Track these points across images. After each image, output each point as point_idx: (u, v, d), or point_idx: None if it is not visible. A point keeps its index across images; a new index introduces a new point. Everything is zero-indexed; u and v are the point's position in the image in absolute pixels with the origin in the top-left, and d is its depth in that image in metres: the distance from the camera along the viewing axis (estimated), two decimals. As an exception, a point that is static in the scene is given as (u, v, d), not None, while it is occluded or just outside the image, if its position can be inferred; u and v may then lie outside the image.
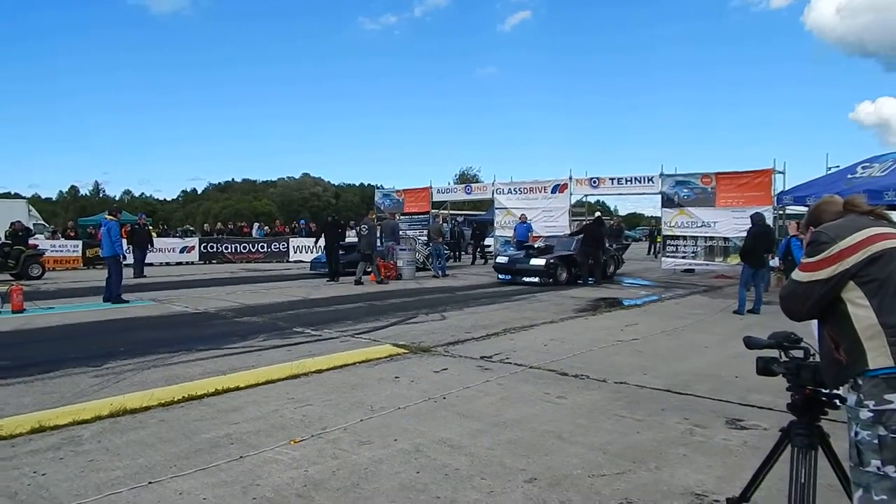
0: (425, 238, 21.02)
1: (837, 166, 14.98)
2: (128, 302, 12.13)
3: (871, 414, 2.06)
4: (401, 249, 17.87)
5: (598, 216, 17.97)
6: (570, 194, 20.48)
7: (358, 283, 15.95)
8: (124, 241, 22.65)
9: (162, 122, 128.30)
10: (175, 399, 5.17)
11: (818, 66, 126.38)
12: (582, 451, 4.02)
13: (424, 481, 3.55)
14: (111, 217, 13.00)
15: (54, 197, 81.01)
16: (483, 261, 25.34)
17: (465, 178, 58.07)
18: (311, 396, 5.33)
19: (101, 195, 78.44)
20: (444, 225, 23.29)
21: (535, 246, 17.25)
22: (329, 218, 19.21)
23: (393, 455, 3.96)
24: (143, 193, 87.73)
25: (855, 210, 2.41)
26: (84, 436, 4.33)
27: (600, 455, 3.96)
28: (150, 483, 3.51)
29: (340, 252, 19.94)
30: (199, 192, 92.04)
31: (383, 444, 4.15)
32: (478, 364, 6.61)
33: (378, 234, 17.60)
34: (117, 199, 75.79)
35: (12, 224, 18.85)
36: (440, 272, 18.62)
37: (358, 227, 17.47)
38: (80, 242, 23.52)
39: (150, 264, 20.92)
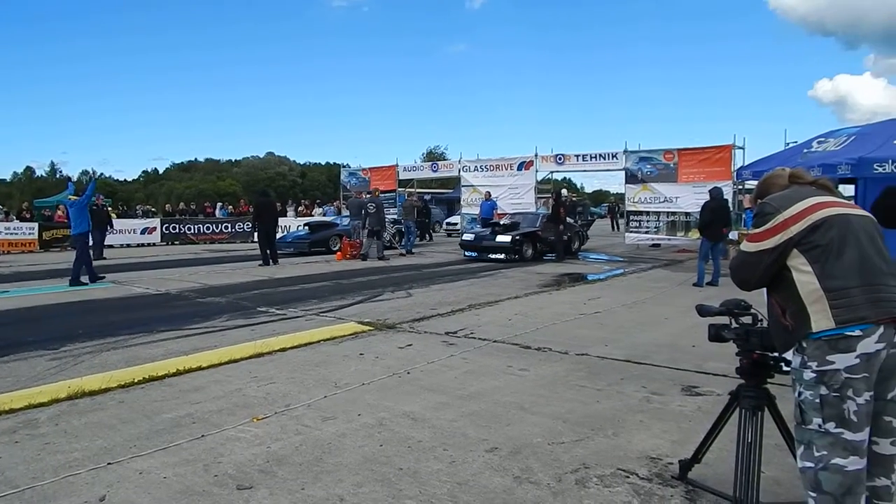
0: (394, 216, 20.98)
1: (795, 142, 15.28)
2: (86, 284, 11.84)
3: (813, 374, 2.15)
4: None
5: (557, 192, 18.12)
6: (536, 171, 20.59)
7: (365, 258, 16.49)
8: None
9: (123, 103, 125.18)
10: (135, 380, 5.10)
11: (779, 44, 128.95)
12: (543, 421, 4.10)
13: (388, 454, 3.58)
14: (74, 197, 12.71)
15: (9, 178, 78.33)
16: (429, 237, 25.24)
17: (433, 156, 57.79)
18: (275, 375, 5.31)
19: (58, 175, 75.99)
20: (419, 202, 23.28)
21: (501, 223, 17.34)
22: (264, 196, 18.12)
23: (356, 429, 3.98)
24: (102, 174, 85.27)
25: (799, 181, 2.50)
26: (41, 419, 4.25)
27: (560, 424, 4.04)
28: (109, 464, 3.47)
29: (307, 230, 19.77)
30: (161, 172, 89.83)
31: (347, 419, 4.17)
32: (443, 339, 6.65)
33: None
34: (75, 179, 73.52)
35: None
36: (407, 249, 18.63)
37: (366, 205, 17.16)
38: (35, 225, 22.82)
39: (110, 246, 20.45)
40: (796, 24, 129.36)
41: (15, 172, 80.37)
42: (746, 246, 2.40)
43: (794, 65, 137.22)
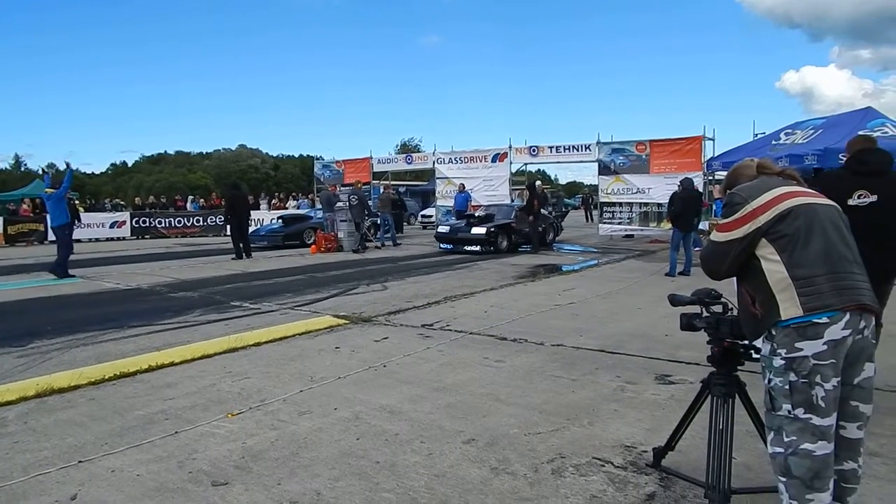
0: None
1: (763, 132, 15.54)
2: (73, 276, 11.81)
3: (783, 361, 2.19)
4: (341, 220, 17.68)
5: (531, 183, 18.20)
6: (510, 163, 20.66)
7: (356, 251, 16.71)
8: (48, 217, 21.64)
9: (90, 95, 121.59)
10: (106, 377, 5.01)
11: (747, 36, 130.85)
12: (519, 412, 4.13)
13: (364, 447, 3.58)
14: (50, 190, 12.50)
15: (-30, 171, 75.92)
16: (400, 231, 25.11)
17: (407, 149, 57.58)
18: (250, 370, 5.26)
19: (22, 169, 74.01)
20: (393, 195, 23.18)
21: (476, 215, 17.36)
22: (235, 188, 17.84)
23: (333, 423, 3.97)
24: (78, 168, 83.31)
25: (766, 172, 2.55)
26: (8, 417, 4.15)
27: (536, 414, 4.08)
28: (80, 462, 3.41)
29: (281, 223, 19.58)
30: (130, 164, 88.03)
31: (323, 414, 4.15)
32: (419, 332, 6.65)
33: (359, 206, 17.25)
34: (40, 172, 71.67)
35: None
36: (391, 242, 18.63)
37: (348, 197, 17.38)
38: (0, 219, 22.24)
39: (78, 240, 19.92)
40: (763, 16, 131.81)
41: (-24, 166, 78.04)
42: (716, 236, 2.44)
43: (761, 56, 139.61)
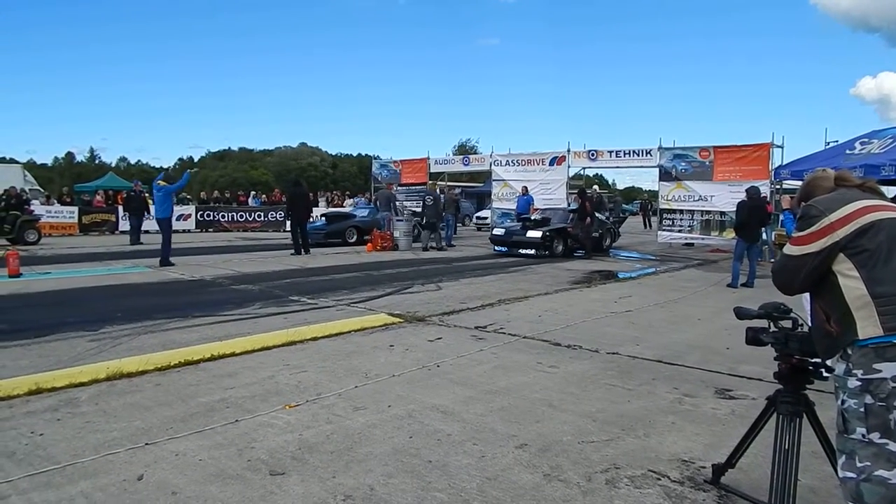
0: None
1: (836, 141, 14.93)
2: (174, 265, 12.78)
3: (859, 383, 2.09)
4: (397, 220, 17.88)
5: (581, 188, 17.96)
6: (568, 167, 20.46)
7: (425, 249, 17.13)
8: (120, 209, 22.68)
9: (161, 91, 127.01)
10: (171, 364, 5.22)
11: (821, 40, 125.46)
12: (572, 419, 4.08)
13: (417, 446, 3.61)
14: (163, 182, 13.54)
15: (50, 163, 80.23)
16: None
17: (464, 150, 57.76)
18: (307, 363, 5.37)
19: (96, 162, 77.72)
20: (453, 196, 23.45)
21: (532, 218, 17.26)
22: (297, 185, 17.95)
23: (386, 420, 4.02)
24: (139, 161, 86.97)
25: (845, 184, 2.44)
26: (81, 398, 4.37)
27: (590, 422, 4.02)
28: (146, 444, 3.56)
29: (323, 220, 19.89)
30: (196, 160, 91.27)
31: (377, 410, 4.21)
32: (472, 334, 6.66)
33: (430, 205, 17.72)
34: (113, 165, 75.12)
35: (6, 190, 18.74)
36: (446, 243, 18.75)
37: (423, 197, 18.05)
38: (76, 209, 23.43)
39: (147, 232, 20.86)
40: (839, 20, 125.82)
41: (56, 158, 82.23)
42: (790, 249, 2.35)
43: (836, 62, 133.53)
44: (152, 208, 22.68)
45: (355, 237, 18.75)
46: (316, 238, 18.68)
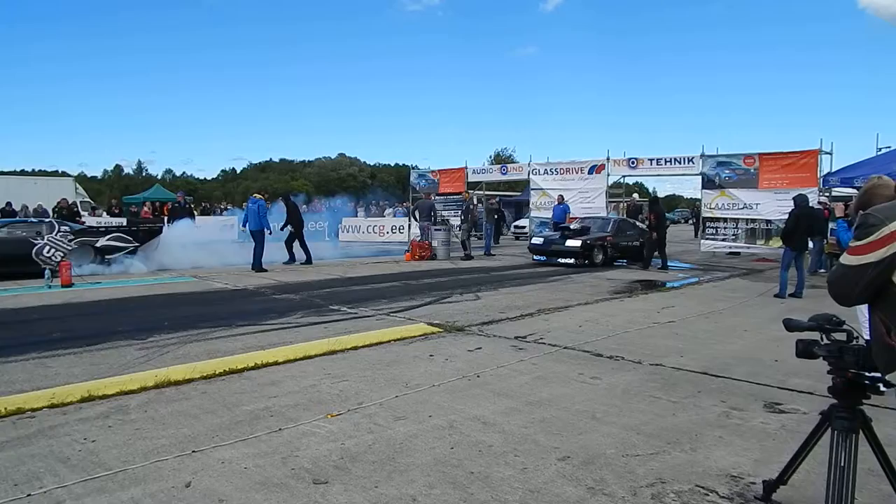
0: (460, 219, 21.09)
1: (888, 147, 14.45)
2: (267, 270, 13.91)
3: (918, 399, 2.01)
4: (436, 230, 17.93)
5: (652, 197, 17.61)
6: (608, 175, 20.16)
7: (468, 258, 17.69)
8: (165, 219, 23.31)
9: (206, 103, 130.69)
10: (216, 372, 5.32)
11: (871, 43, 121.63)
12: (616, 431, 4.02)
13: (458, 457, 3.60)
14: (260, 196, 14.96)
15: (99, 175, 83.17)
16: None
17: (501, 159, 57.60)
18: (348, 372, 5.42)
19: (143, 174, 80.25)
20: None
21: (572, 227, 17.10)
22: (288, 196, 17.39)
23: (427, 430, 4.02)
24: (184, 172, 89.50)
25: (907, 192, 2.35)
26: (131, 405, 4.50)
27: (634, 435, 3.95)
28: (193, 452, 3.64)
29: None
30: (238, 171, 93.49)
31: (418, 420, 4.22)
32: (512, 344, 6.62)
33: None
34: (159, 178, 77.42)
35: (58, 202, 19.46)
36: (485, 252, 18.80)
37: (463, 206, 18.88)
38: (124, 220, 24.16)
39: (192, 242, 21.41)
40: (889, 22, 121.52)
41: (105, 170, 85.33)
42: (847, 259, 2.27)
43: (888, 65, 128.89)
44: (197, 219, 23.41)
45: None
46: None
